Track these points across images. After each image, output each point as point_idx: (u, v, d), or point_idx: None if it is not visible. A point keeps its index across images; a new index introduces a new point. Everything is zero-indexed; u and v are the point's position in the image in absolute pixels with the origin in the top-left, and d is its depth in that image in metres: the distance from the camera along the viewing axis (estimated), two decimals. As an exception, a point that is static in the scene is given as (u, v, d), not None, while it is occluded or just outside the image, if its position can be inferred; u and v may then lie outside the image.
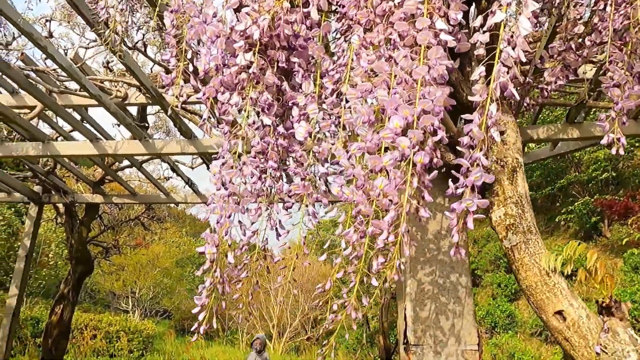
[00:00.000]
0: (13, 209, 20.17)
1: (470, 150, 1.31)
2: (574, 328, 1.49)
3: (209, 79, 1.51)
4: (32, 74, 3.92)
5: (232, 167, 1.37)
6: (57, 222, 9.60)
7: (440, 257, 1.59)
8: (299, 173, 1.39)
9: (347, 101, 1.39)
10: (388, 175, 1.25)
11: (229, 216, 1.41)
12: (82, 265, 8.03)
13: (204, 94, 1.48)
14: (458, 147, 1.35)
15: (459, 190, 1.30)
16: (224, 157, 1.45)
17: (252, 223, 1.48)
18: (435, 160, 1.29)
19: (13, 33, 4.59)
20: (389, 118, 1.24)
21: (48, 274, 20.39)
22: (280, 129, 1.41)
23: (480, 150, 1.29)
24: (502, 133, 1.65)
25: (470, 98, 1.29)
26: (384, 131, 1.24)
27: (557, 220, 16.11)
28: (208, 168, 5.67)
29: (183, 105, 4.48)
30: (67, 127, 5.34)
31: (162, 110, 5.06)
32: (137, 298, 24.79)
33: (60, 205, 7.85)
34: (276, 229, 1.47)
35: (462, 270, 1.55)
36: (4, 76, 4.19)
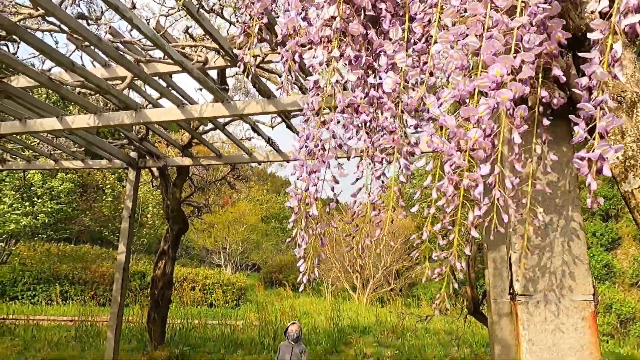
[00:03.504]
0: (115, 175, 22.10)
1: (588, 92, 1.16)
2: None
3: (287, 40, 1.46)
4: (121, 46, 4.13)
5: (320, 124, 1.34)
6: (153, 184, 10.34)
7: (549, 199, 1.47)
8: (388, 126, 1.33)
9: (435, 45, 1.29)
10: (479, 125, 1.17)
11: (311, 172, 1.41)
12: (177, 223, 8.67)
13: (282, 57, 1.44)
14: (574, 88, 1.21)
15: (580, 137, 1.17)
16: (307, 115, 1.42)
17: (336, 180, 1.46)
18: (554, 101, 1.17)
19: (101, 8, 4.85)
20: (485, 65, 1.14)
21: (149, 233, 22.35)
22: (371, 79, 1.34)
23: (603, 92, 1.14)
24: (616, 64, 1.46)
25: (589, 35, 1.13)
26: (482, 79, 1.14)
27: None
28: (288, 126, 5.74)
29: (261, 65, 4.54)
30: (155, 95, 5.63)
31: (240, 72, 5.16)
32: (228, 253, 26.45)
33: (154, 169, 8.43)
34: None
35: (573, 213, 1.43)
36: (96, 50, 4.46)
